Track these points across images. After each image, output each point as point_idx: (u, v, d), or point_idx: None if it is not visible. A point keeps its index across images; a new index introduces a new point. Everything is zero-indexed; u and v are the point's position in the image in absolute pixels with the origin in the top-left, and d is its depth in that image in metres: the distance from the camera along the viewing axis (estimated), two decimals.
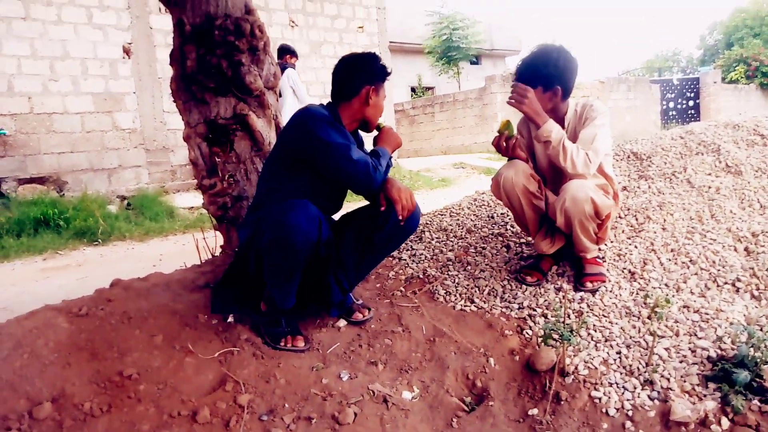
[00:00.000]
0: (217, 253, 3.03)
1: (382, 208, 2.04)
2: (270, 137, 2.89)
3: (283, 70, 6.43)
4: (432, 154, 15.03)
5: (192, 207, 7.11)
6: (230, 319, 2.18)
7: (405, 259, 2.87)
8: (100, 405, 1.67)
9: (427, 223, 3.33)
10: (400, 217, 2.01)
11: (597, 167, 2.30)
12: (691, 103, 19.11)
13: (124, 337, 1.98)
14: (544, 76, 2.31)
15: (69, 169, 7.12)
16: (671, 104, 18.64)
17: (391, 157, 2.17)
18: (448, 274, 2.66)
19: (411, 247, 3.02)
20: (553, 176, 2.49)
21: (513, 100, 2.28)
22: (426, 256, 2.88)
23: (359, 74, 2.12)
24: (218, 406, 1.73)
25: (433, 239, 3.10)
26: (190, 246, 3.34)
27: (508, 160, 2.43)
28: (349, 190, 2.21)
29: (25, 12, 6.70)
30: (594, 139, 2.25)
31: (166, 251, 5.05)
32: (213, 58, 2.70)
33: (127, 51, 7.53)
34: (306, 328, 2.20)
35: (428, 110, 15.96)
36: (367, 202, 2.23)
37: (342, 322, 2.25)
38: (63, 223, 5.84)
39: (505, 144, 2.34)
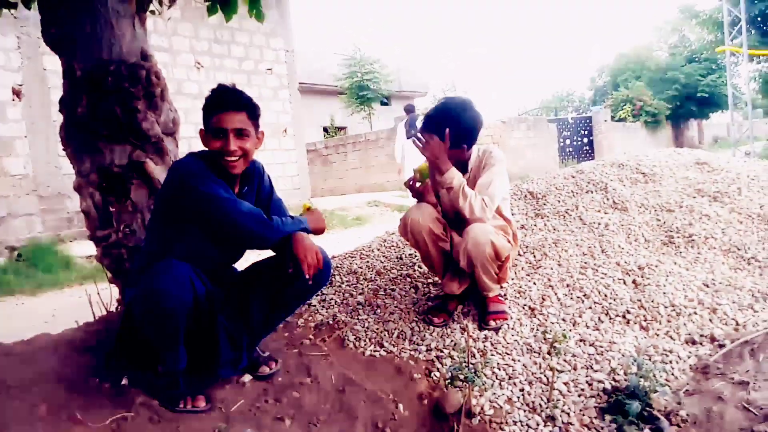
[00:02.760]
0: (113, 308, 2.85)
1: (290, 270, 1.94)
2: None
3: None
4: (346, 193, 15.12)
5: (90, 256, 6.68)
6: (124, 381, 2.03)
7: (314, 305, 2.83)
8: None
9: (337, 267, 3.32)
10: (306, 276, 1.92)
11: (494, 211, 2.40)
12: (585, 140, 20.54)
13: (1, 410, 1.79)
14: (449, 128, 2.36)
15: None
16: (567, 141, 19.93)
17: (308, 230, 2.06)
18: (358, 319, 2.65)
19: (321, 292, 2.98)
20: (458, 219, 2.58)
21: (418, 145, 2.39)
22: (336, 301, 2.86)
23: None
24: None
25: (343, 283, 3.09)
26: (86, 300, 3.12)
27: (417, 201, 2.51)
28: None
29: None
30: (490, 184, 2.37)
31: (60, 306, 4.69)
32: (106, 105, 2.59)
33: (17, 93, 7.09)
34: (208, 386, 2.10)
35: (341, 150, 16.13)
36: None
37: (247, 377, 2.16)
38: None
39: (416, 186, 2.49)
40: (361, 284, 3.03)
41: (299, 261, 1.92)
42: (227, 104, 1.94)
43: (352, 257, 3.49)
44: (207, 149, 2.00)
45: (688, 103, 25.23)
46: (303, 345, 2.45)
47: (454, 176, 2.33)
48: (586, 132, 20.54)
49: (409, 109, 10.46)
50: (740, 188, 3.34)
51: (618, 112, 23.37)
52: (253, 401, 2.06)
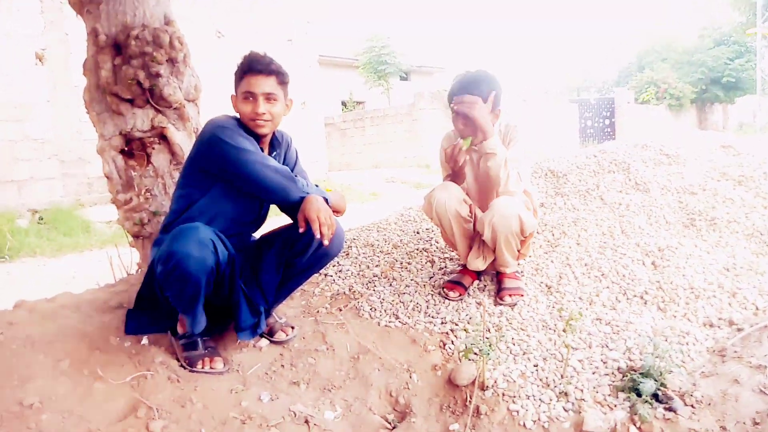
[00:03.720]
0: (134, 271, 2.90)
1: (301, 230, 1.95)
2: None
3: None
4: (363, 168, 15.11)
5: (110, 221, 6.79)
6: (144, 341, 2.08)
7: (331, 276, 2.85)
8: None
9: (354, 239, 3.33)
10: (317, 236, 1.91)
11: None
12: (607, 121, 20.26)
13: (26, 363, 1.84)
14: (491, 93, 2.34)
15: None
16: (589, 122, 19.68)
17: (327, 200, 2.04)
18: (373, 290, 2.66)
19: (338, 263, 3.00)
20: (479, 193, 2.56)
21: (463, 108, 2.28)
22: (352, 272, 2.87)
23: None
24: None
25: (359, 255, 3.10)
26: (107, 263, 3.17)
27: (445, 178, 2.47)
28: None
29: None
30: (520, 159, 2.34)
31: (80, 269, 4.78)
32: (129, 69, 2.60)
33: (39, 57, 7.13)
34: (226, 349, 2.14)
35: (359, 124, 16.07)
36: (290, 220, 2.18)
37: (264, 342, 2.20)
38: None
39: (459, 154, 2.34)
40: (378, 256, 3.04)
41: (311, 222, 1.91)
42: (257, 68, 1.99)
43: (369, 230, 3.50)
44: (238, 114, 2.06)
45: (714, 86, 24.66)
46: (319, 313, 2.47)
47: (498, 143, 2.30)
48: (608, 114, 20.25)
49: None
50: (766, 173, 3.27)
51: (642, 95, 22.95)
52: (270, 365, 2.10)
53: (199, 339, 2.03)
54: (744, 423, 1.60)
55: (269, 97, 2.00)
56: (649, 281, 2.48)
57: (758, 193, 3.11)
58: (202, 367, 1.98)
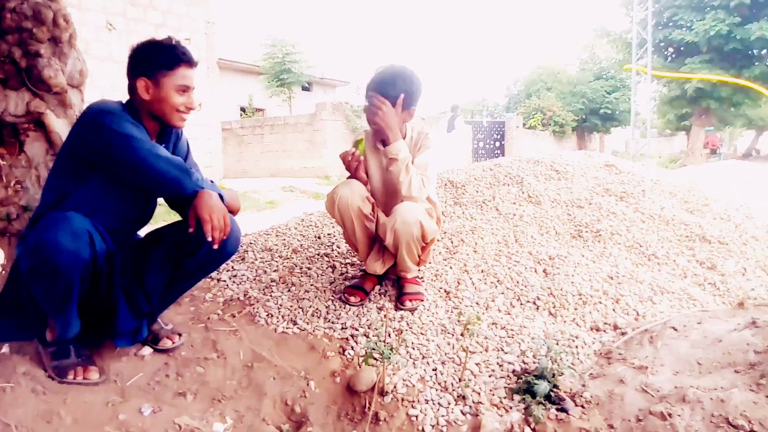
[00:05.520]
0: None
1: (191, 230, 1.78)
2: None
3: None
4: (261, 176, 14.72)
5: None
6: (5, 349, 1.83)
7: (224, 281, 2.69)
8: None
9: (251, 243, 3.18)
10: (209, 238, 1.76)
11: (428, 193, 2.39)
12: (497, 143, 21.34)
13: None
14: (404, 92, 2.33)
15: None
16: (481, 143, 20.61)
17: (222, 197, 1.90)
18: (270, 296, 2.54)
19: (232, 267, 2.85)
20: (385, 197, 2.53)
21: (369, 112, 2.29)
22: (248, 277, 2.73)
23: (135, 66, 1.87)
24: None
25: (256, 259, 2.96)
26: None
27: (347, 178, 2.43)
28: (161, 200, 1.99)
29: None
30: (428, 166, 2.35)
31: None
32: (3, 45, 2.32)
33: None
34: (103, 358, 1.93)
35: (258, 131, 15.67)
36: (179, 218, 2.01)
37: (147, 350, 2.01)
38: None
39: (352, 161, 2.35)
40: (276, 261, 2.92)
41: (202, 222, 1.76)
42: (190, 60, 1.87)
43: (267, 234, 3.36)
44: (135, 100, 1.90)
45: (593, 116, 26.83)
46: (210, 320, 2.31)
47: (401, 148, 2.28)
48: (498, 136, 21.35)
49: (455, 108, 12.58)
50: (644, 190, 3.55)
51: (529, 120, 24.44)
52: (153, 375, 1.92)
53: (71, 346, 1.81)
54: (629, 420, 1.67)
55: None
56: (541, 288, 2.57)
57: (637, 208, 3.36)
58: (74, 378, 1.76)
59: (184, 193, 1.82)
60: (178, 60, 1.86)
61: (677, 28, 19.11)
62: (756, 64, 18.55)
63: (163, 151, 1.82)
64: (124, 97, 1.95)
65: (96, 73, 8.24)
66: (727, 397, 1.61)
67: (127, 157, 1.75)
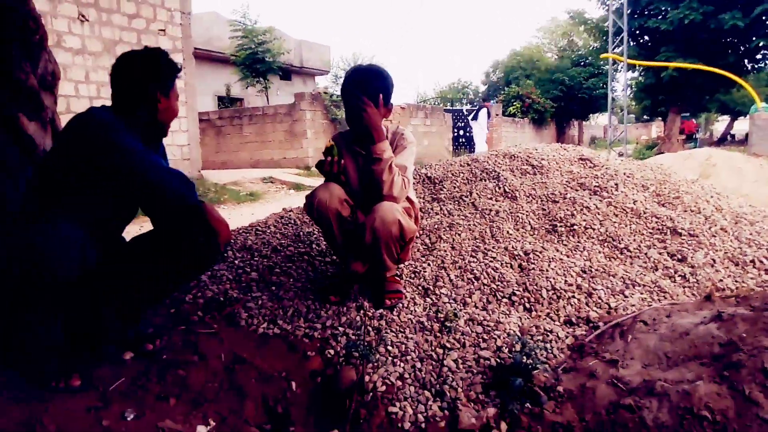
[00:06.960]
0: None
1: (201, 240, 1.87)
2: (45, 143, 2.53)
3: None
4: (240, 167, 14.63)
5: None
6: None
7: (204, 281, 2.71)
8: None
9: (230, 242, 3.19)
10: (222, 250, 1.90)
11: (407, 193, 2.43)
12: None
13: None
14: (382, 91, 2.39)
15: None
16: (461, 132, 20.66)
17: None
18: (251, 296, 2.56)
19: (211, 267, 2.86)
20: (364, 197, 2.56)
21: (352, 113, 2.39)
22: (228, 278, 2.75)
23: (145, 75, 1.89)
24: None
25: (236, 259, 2.98)
26: None
27: (325, 181, 2.45)
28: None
29: None
30: (406, 167, 2.38)
31: None
32: None
33: None
34: (83, 363, 1.94)
35: (236, 122, 15.54)
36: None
37: (128, 355, 2.02)
38: None
39: (331, 167, 2.37)
40: (256, 261, 2.94)
41: (217, 233, 1.84)
42: (181, 67, 2.00)
43: (246, 232, 3.38)
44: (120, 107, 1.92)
45: (571, 103, 27.09)
46: (191, 322, 2.33)
47: (386, 148, 2.33)
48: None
49: (486, 99, 12.89)
50: (617, 184, 3.62)
51: (509, 108, 24.59)
52: (134, 380, 1.93)
53: (53, 353, 1.82)
54: (600, 413, 1.73)
55: None
56: (516, 283, 2.63)
57: (611, 202, 3.43)
58: (56, 385, 1.77)
59: (187, 203, 1.85)
60: (178, 70, 1.96)
61: (652, 16, 19.32)
62: (729, 52, 18.87)
63: (164, 162, 1.87)
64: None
65: (69, 66, 8.10)
66: (692, 390, 1.68)
67: (135, 173, 1.76)
